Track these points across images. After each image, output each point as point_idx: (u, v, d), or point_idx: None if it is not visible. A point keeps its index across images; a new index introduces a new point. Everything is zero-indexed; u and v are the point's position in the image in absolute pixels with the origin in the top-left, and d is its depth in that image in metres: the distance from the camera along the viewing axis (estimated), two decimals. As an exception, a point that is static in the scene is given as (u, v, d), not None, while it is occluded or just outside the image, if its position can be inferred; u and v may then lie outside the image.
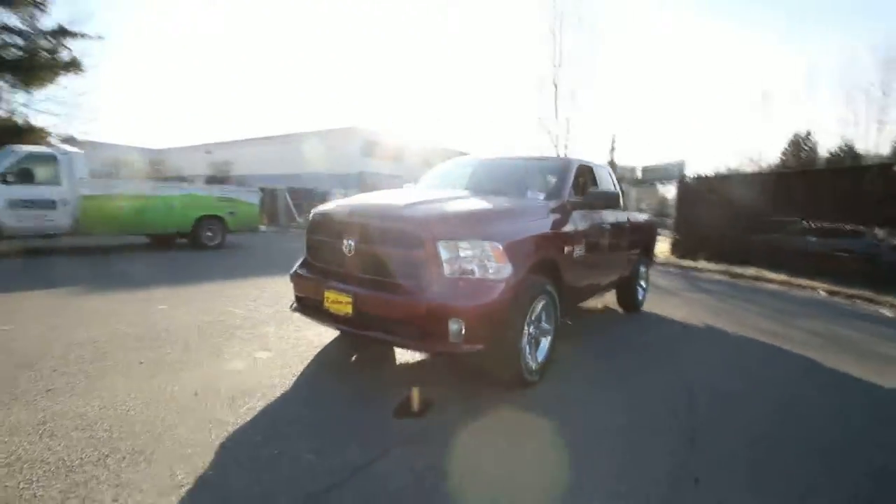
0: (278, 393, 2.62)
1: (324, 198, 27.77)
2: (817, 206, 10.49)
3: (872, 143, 36.75)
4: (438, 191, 3.43)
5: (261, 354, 3.25)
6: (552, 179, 3.69)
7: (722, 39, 70.11)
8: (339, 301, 2.71)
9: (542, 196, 3.45)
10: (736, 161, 42.23)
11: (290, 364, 3.05)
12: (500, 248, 2.55)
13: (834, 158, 39.48)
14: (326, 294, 2.78)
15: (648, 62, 61.88)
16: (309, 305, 3.01)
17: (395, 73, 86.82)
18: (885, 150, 36.63)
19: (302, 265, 3.19)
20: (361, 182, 27.31)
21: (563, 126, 16.69)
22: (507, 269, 2.56)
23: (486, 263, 2.51)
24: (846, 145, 37.27)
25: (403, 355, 3.34)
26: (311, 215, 3.16)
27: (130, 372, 2.80)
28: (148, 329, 3.64)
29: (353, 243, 2.72)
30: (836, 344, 4.67)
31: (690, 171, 19.07)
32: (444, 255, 2.48)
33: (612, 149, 37.05)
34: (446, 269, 2.48)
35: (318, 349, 3.37)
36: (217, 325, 3.88)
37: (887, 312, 6.74)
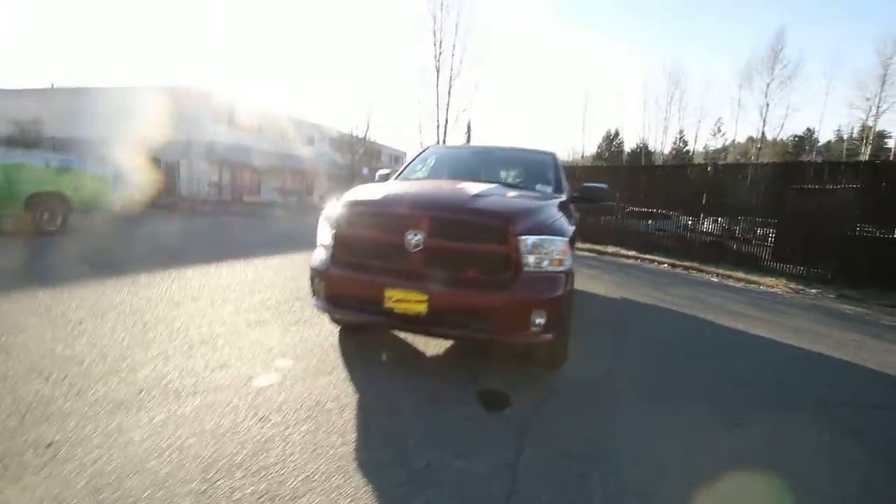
0: (353, 405, 2.40)
1: (172, 170, 23.23)
2: (633, 193, 13.46)
3: (660, 143, 46.11)
4: (468, 182, 3.37)
5: (284, 363, 2.86)
6: (549, 174, 3.98)
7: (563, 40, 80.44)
8: (407, 299, 2.56)
9: (550, 189, 3.71)
10: (564, 152, 48.89)
11: (324, 373, 2.77)
12: (566, 241, 2.74)
13: (634, 153, 48.72)
14: (388, 293, 2.59)
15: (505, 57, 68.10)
16: (354, 306, 2.75)
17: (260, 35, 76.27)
18: (667, 150, 46.46)
19: (330, 261, 2.86)
20: (210, 152, 23.79)
21: (443, 110, 17.15)
22: (570, 261, 2.77)
23: (560, 257, 2.67)
24: (643, 143, 46.12)
25: (429, 348, 3.30)
26: (343, 207, 2.85)
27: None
28: None
29: (421, 238, 2.58)
30: (700, 303, 6.16)
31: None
32: (525, 249, 2.56)
33: (468, 133, 39.34)
34: (530, 263, 2.56)
35: (338, 355, 3.10)
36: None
37: (713, 279, 8.97)
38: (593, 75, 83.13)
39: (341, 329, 3.55)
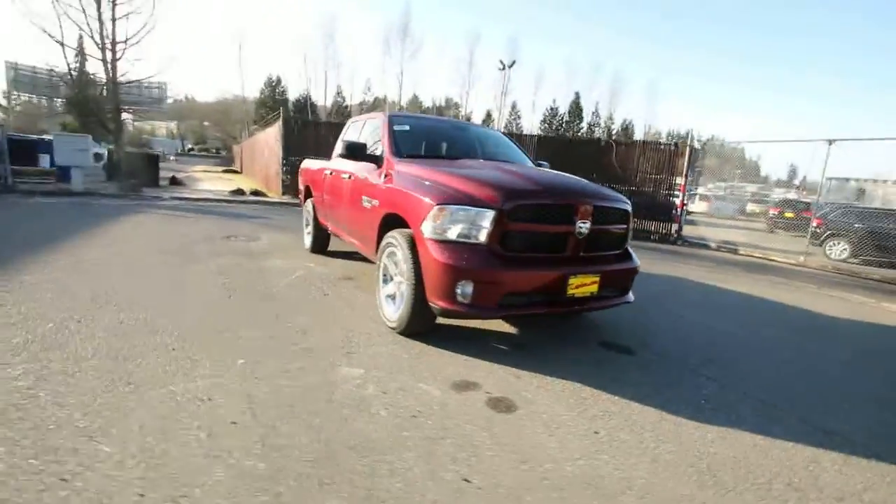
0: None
1: None
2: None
3: (322, 96, 47.65)
4: (525, 166, 3.40)
5: (352, 371, 2.45)
6: (517, 148, 4.38)
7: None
8: (584, 283, 2.78)
9: (542, 165, 4.20)
10: (217, 93, 43.75)
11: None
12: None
13: (298, 104, 48.70)
14: (571, 280, 2.71)
15: None
16: (530, 301, 2.67)
17: None
18: (329, 102, 48.60)
19: (492, 261, 2.58)
20: None
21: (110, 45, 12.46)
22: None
23: (629, 228, 3.45)
24: (307, 93, 46.67)
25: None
26: (509, 205, 2.59)
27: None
28: None
29: (587, 225, 2.79)
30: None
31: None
32: (631, 226, 3.22)
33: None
34: (629, 237, 3.24)
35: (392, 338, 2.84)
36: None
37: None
38: (246, 14, 75.02)
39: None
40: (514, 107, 50.29)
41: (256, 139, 21.18)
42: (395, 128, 3.80)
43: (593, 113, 52.37)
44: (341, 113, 47.33)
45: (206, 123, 58.62)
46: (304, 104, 46.13)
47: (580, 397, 2.43)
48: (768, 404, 2.56)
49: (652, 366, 2.95)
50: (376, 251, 3.56)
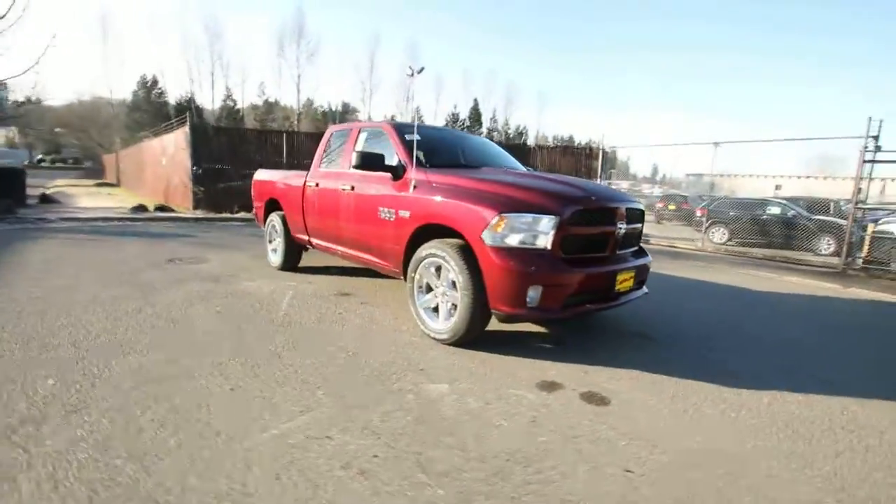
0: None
1: None
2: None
3: (209, 100, 43.82)
4: (548, 179, 3.55)
5: (438, 386, 2.56)
6: (509, 156, 4.55)
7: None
8: (626, 279, 3.07)
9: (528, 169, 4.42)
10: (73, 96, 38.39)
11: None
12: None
13: (181, 106, 44.19)
14: (619, 276, 2.97)
15: None
16: (586, 300, 2.88)
17: None
18: (217, 105, 44.77)
19: (557, 265, 2.73)
20: None
21: None
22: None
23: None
24: (190, 95, 42.55)
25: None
26: (568, 211, 2.75)
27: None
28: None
29: (624, 226, 3.08)
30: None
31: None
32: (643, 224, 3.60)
33: None
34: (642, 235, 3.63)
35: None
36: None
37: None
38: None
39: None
40: (418, 111, 50.92)
41: (145, 147, 18.76)
42: (407, 137, 3.76)
43: (491, 119, 55.22)
44: (233, 117, 43.70)
45: (58, 130, 49.95)
46: (188, 107, 41.80)
47: (650, 382, 2.68)
48: (783, 369, 3.06)
49: (676, 347, 3.33)
50: (401, 264, 3.49)
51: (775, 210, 12.53)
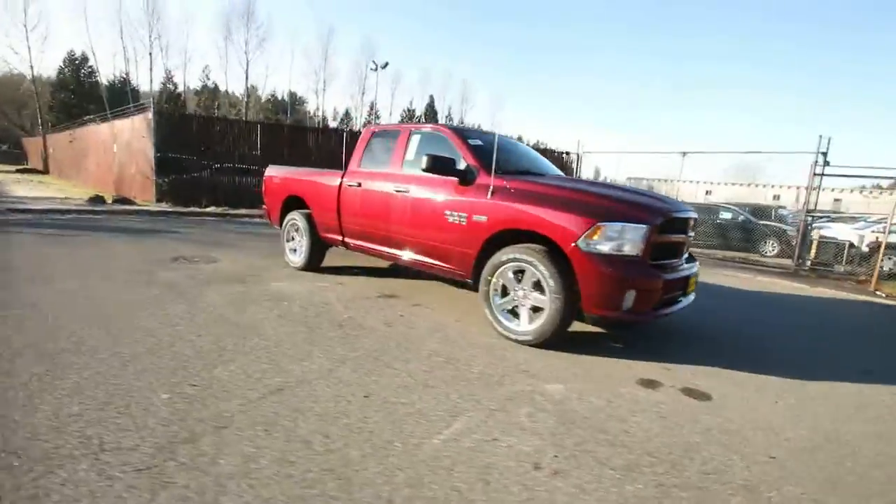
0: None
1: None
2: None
3: (147, 81, 40.53)
4: (620, 188, 3.73)
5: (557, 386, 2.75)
6: (546, 160, 4.70)
7: None
8: (694, 282, 3.34)
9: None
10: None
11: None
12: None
13: (113, 87, 40.71)
14: (691, 280, 3.23)
15: None
16: (670, 301, 3.11)
17: None
18: (156, 87, 41.57)
19: (653, 268, 2.95)
20: None
21: None
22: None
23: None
24: (125, 75, 39.31)
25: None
26: (657, 220, 2.97)
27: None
28: None
29: (692, 234, 3.35)
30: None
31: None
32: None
33: None
34: (690, 241, 3.93)
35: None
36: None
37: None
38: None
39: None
40: (372, 107, 50.10)
41: (89, 132, 17.06)
42: (471, 142, 3.81)
43: (447, 117, 55.44)
44: (173, 102, 40.63)
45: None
46: (123, 88, 38.42)
47: (728, 377, 2.95)
48: (823, 362, 3.45)
49: (725, 344, 3.66)
50: (471, 267, 3.55)
51: (727, 215, 13.71)
